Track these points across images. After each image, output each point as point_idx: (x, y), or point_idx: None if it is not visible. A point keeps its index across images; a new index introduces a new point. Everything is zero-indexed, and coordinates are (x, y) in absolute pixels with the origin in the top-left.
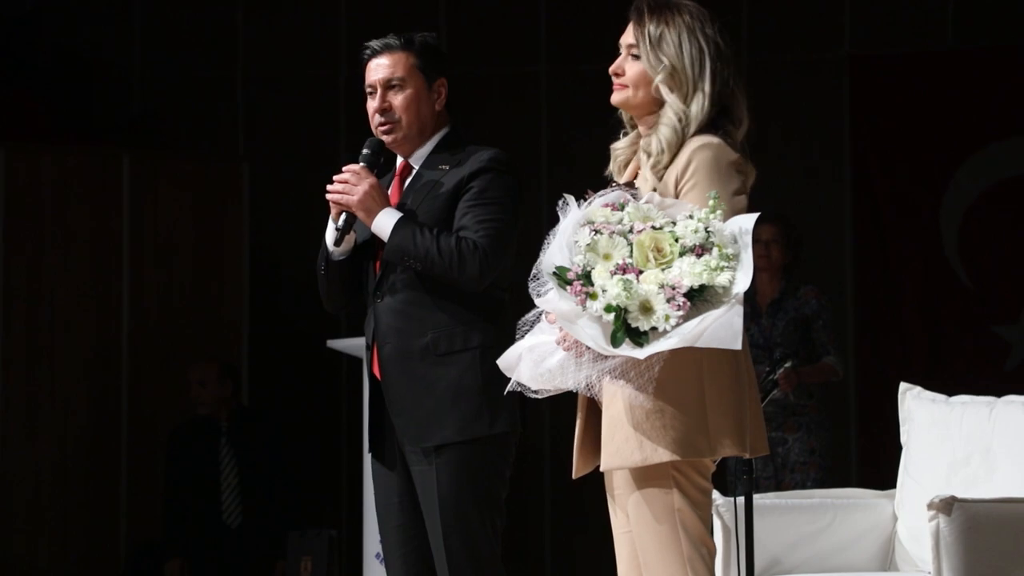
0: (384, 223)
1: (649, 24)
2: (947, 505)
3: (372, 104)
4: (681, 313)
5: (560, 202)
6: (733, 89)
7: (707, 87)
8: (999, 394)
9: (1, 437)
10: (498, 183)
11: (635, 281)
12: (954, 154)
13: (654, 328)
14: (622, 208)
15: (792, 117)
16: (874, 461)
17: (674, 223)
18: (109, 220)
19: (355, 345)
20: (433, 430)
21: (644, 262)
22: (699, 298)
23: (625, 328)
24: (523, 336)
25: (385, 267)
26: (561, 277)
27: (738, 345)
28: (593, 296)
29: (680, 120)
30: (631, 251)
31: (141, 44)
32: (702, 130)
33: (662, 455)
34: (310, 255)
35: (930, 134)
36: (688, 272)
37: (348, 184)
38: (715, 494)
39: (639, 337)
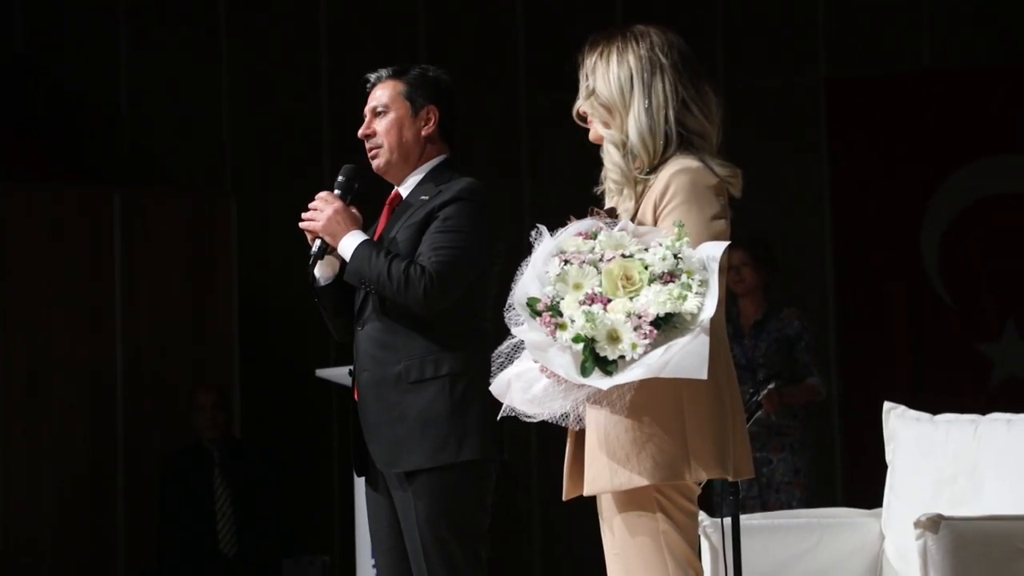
0: (347, 246)
1: (586, 61)
2: (934, 523)
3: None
4: (648, 341)
5: (534, 232)
6: (684, 99)
7: (637, 107)
8: (983, 412)
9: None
10: (464, 211)
11: (602, 311)
12: (933, 174)
13: (622, 357)
14: (595, 236)
15: (769, 141)
16: (859, 480)
17: (647, 250)
18: (101, 256)
19: (343, 374)
20: (403, 456)
21: (613, 291)
22: (667, 325)
23: (594, 358)
24: (499, 368)
25: (365, 295)
26: (531, 308)
27: (703, 374)
28: (562, 327)
29: (619, 148)
30: (601, 280)
31: (128, 82)
32: (672, 149)
33: (640, 479)
34: (298, 286)
35: (908, 155)
36: (653, 300)
37: (315, 210)
38: (702, 515)
39: (608, 366)
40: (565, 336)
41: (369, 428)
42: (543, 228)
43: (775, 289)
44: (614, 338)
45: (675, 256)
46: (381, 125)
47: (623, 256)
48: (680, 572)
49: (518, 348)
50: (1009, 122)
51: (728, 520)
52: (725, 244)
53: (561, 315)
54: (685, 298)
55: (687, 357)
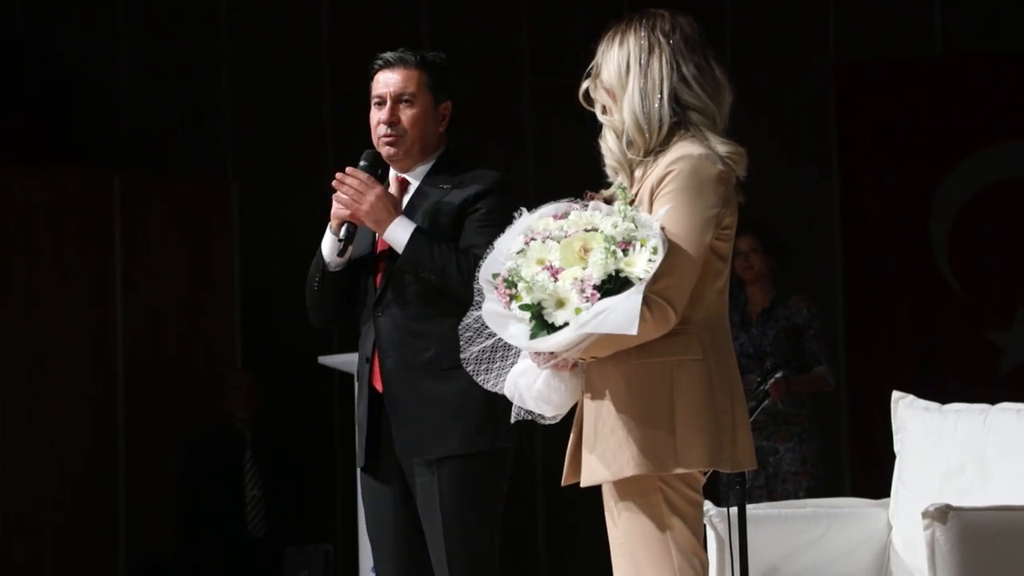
0: (398, 233)
1: (600, 46)
2: (942, 514)
3: (379, 115)
4: (590, 305)
5: (516, 213)
6: (684, 76)
7: (631, 89)
8: (993, 401)
9: (1, 455)
10: (504, 205)
11: (548, 278)
12: (942, 160)
13: (567, 323)
14: (567, 217)
15: (779, 126)
16: (866, 470)
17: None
18: (102, 241)
19: (347, 361)
20: (438, 442)
21: (572, 263)
22: (619, 290)
23: (543, 325)
24: (467, 341)
25: (386, 281)
26: (492, 283)
27: (633, 330)
28: (516, 297)
29: (616, 133)
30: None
31: (129, 66)
32: (669, 130)
33: (627, 469)
34: (300, 272)
35: (919, 141)
36: (593, 263)
37: (356, 192)
38: (708, 505)
39: (555, 332)
40: (515, 305)
41: (397, 415)
42: (524, 210)
43: (783, 277)
44: (562, 304)
45: (635, 222)
46: (407, 115)
47: (586, 231)
48: (684, 562)
49: (484, 322)
50: (1020, 108)
51: (734, 510)
52: (664, 208)
53: (515, 287)
54: (613, 257)
55: (615, 312)
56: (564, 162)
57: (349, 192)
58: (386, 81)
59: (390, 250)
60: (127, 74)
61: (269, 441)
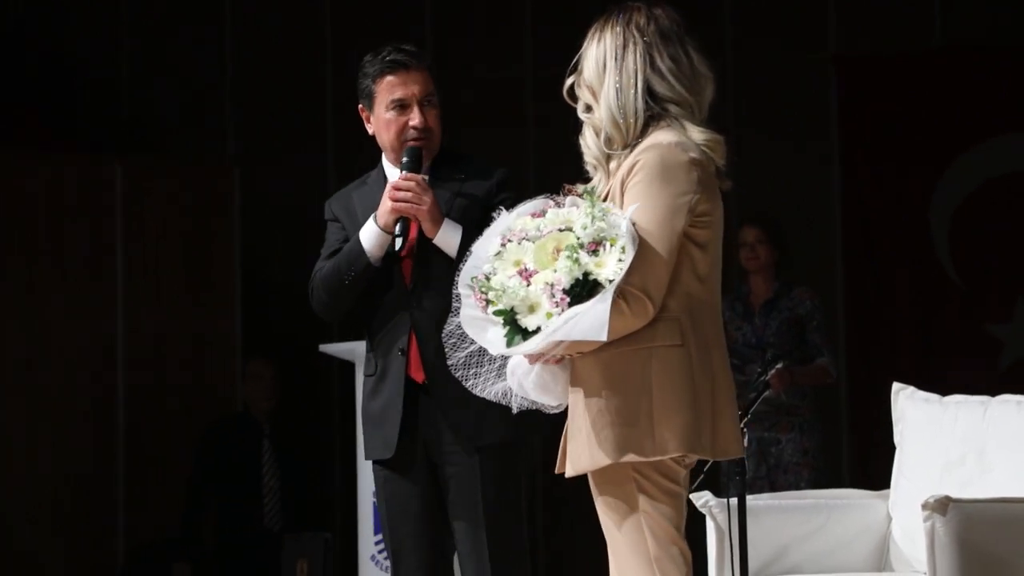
0: (451, 233)
1: (585, 42)
2: (942, 505)
3: (405, 117)
4: (560, 310)
5: (495, 213)
6: (660, 69)
7: (608, 86)
8: (993, 393)
9: (0, 453)
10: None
11: (519, 283)
12: (943, 153)
13: (539, 327)
14: (544, 215)
15: (779, 119)
16: (866, 462)
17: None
18: (102, 227)
19: (347, 349)
20: (487, 429)
21: (547, 263)
22: (589, 292)
23: (518, 330)
24: (452, 348)
25: (418, 274)
26: (470, 286)
27: (603, 336)
28: (492, 302)
29: (595, 129)
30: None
31: (130, 51)
32: (643, 123)
33: (603, 458)
34: (301, 266)
35: (918, 134)
36: (560, 268)
37: (415, 194)
38: (708, 495)
39: (528, 337)
40: (491, 310)
41: (445, 403)
42: (503, 210)
43: (786, 268)
44: (533, 309)
45: (603, 222)
46: (432, 116)
47: (559, 230)
48: (661, 552)
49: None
50: (1021, 103)
51: (734, 500)
52: (634, 206)
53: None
54: (580, 266)
55: (585, 319)
56: (567, 157)
57: (409, 195)
58: (407, 83)
59: (419, 244)
60: (128, 59)
61: (284, 432)
